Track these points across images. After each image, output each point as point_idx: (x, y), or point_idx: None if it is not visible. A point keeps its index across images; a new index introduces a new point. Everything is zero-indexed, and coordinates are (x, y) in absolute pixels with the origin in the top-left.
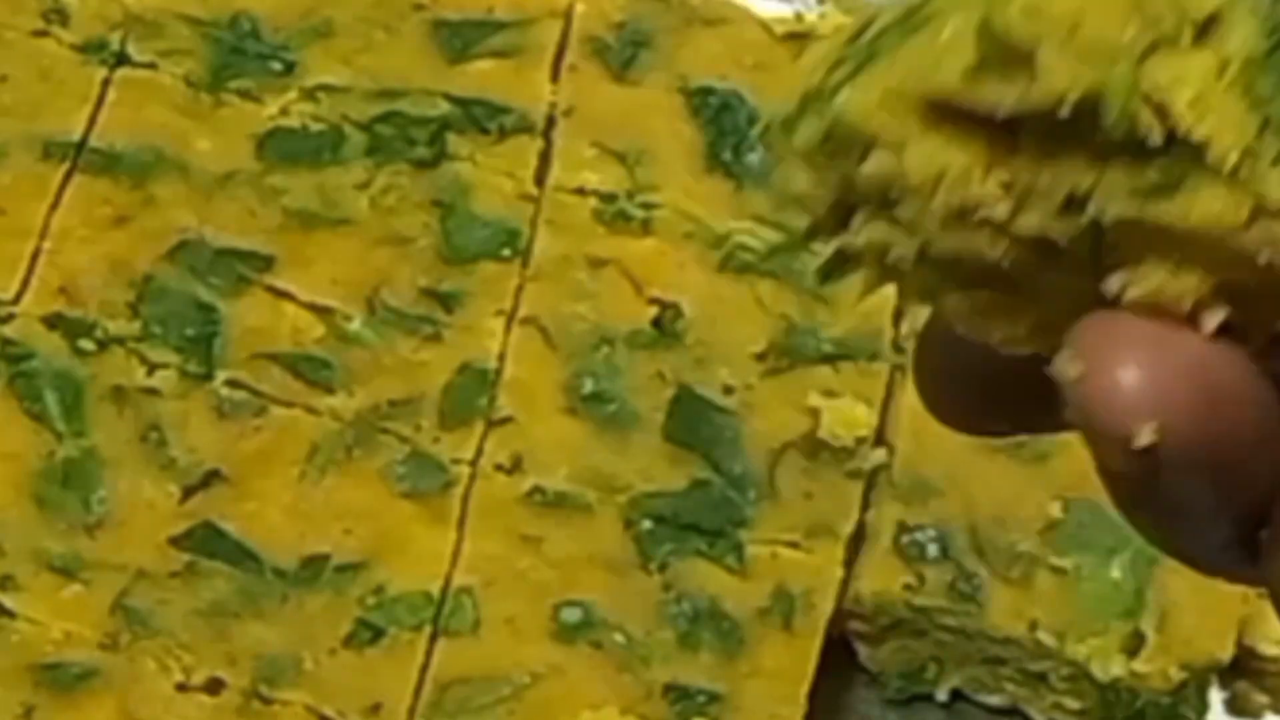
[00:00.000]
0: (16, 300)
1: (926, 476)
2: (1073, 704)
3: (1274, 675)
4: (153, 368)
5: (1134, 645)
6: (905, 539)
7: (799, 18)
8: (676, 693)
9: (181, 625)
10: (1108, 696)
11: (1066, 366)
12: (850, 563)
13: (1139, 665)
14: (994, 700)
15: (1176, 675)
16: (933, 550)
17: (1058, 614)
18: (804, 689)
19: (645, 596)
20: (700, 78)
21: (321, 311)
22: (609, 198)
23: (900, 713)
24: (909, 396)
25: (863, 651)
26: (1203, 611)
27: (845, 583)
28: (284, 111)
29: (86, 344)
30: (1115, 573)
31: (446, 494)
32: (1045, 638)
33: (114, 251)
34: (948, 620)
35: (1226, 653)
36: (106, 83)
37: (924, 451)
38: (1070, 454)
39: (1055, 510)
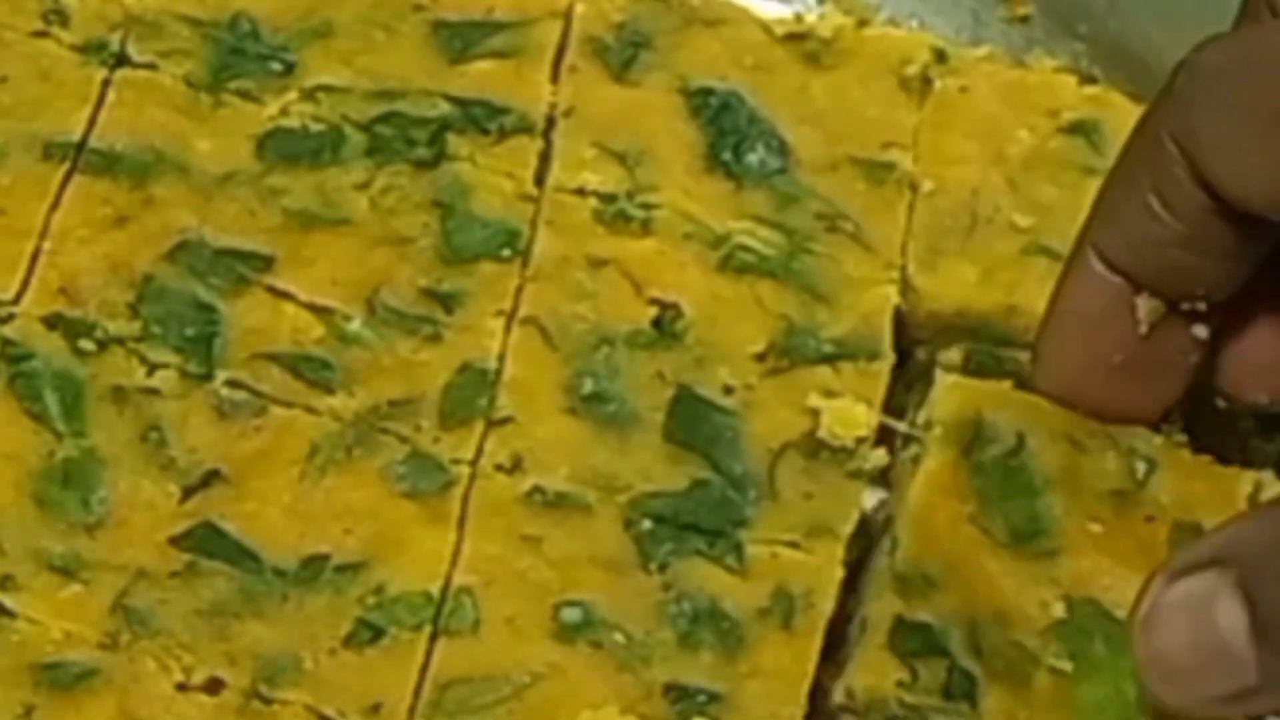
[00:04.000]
0: (16, 300)
1: (929, 570)
2: None
3: None
4: (153, 368)
5: None
6: (901, 633)
7: (799, 18)
8: (676, 693)
9: (181, 625)
10: None
11: None
12: (841, 648)
13: None
14: None
15: None
16: (929, 646)
17: (1053, 718)
18: (804, 689)
19: (645, 596)
20: (700, 78)
21: (321, 311)
22: (609, 198)
23: None
24: (917, 487)
25: None
26: None
27: (844, 583)
28: (284, 112)
29: (86, 344)
30: (1116, 677)
31: (446, 494)
32: None
33: (114, 251)
34: (940, 719)
35: None
36: (106, 83)
37: (928, 544)
38: (1077, 552)
39: (1059, 610)
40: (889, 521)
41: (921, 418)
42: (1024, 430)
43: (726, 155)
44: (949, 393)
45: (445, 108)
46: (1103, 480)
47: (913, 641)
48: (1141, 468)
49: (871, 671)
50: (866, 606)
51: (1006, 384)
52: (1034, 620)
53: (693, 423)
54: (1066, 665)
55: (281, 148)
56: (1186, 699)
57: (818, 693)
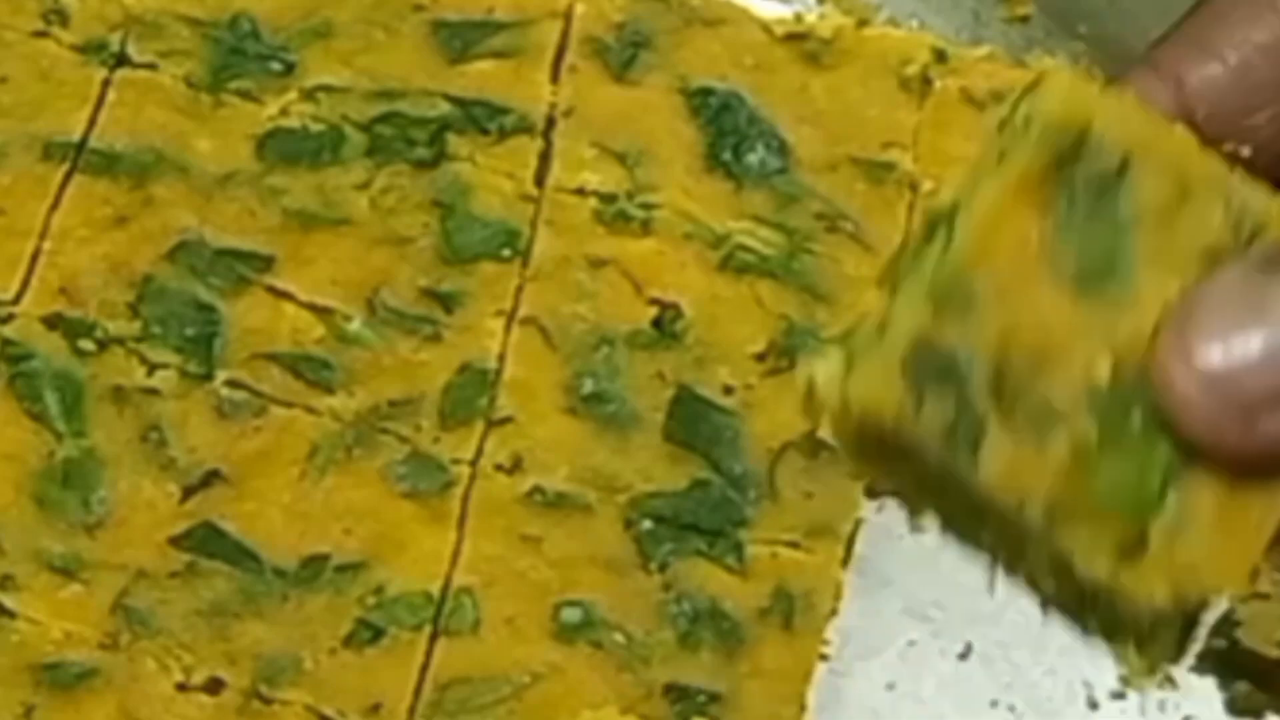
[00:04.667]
0: (16, 300)
1: (975, 285)
2: (1049, 589)
3: (1274, 675)
4: (153, 368)
5: (1132, 548)
6: (920, 355)
7: (799, 18)
8: (676, 693)
9: (181, 625)
10: (1086, 594)
11: None
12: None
13: (1126, 575)
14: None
15: (1161, 599)
16: (945, 376)
17: (1058, 489)
18: (804, 689)
19: (645, 596)
20: (700, 78)
21: (321, 311)
22: (609, 198)
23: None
24: (996, 182)
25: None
26: (1224, 534)
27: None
28: (284, 112)
29: (86, 344)
30: (1143, 463)
31: (446, 494)
32: (1033, 515)
33: (114, 251)
34: (930, 458)
35: (1233, 587)
36: (106, 83)
37: (985, 253)
38: (1144, 310)
39: (1102, 370)
40: (953, 210)
41: (1022, 111)
42: (1131, 154)
43: (726, 155)
44: (1060, 88)
45: (445, 108)
46: (1199, 234)
47: (929, 367)
48: (1247, 228)
49: (875, 385)
50: (894, 306)
51: (1129, 96)
52: (1072, 375)
53: (693, 423)
54: (1093, 435)
55: (281, 148)
56: (1239, 426)
57: None
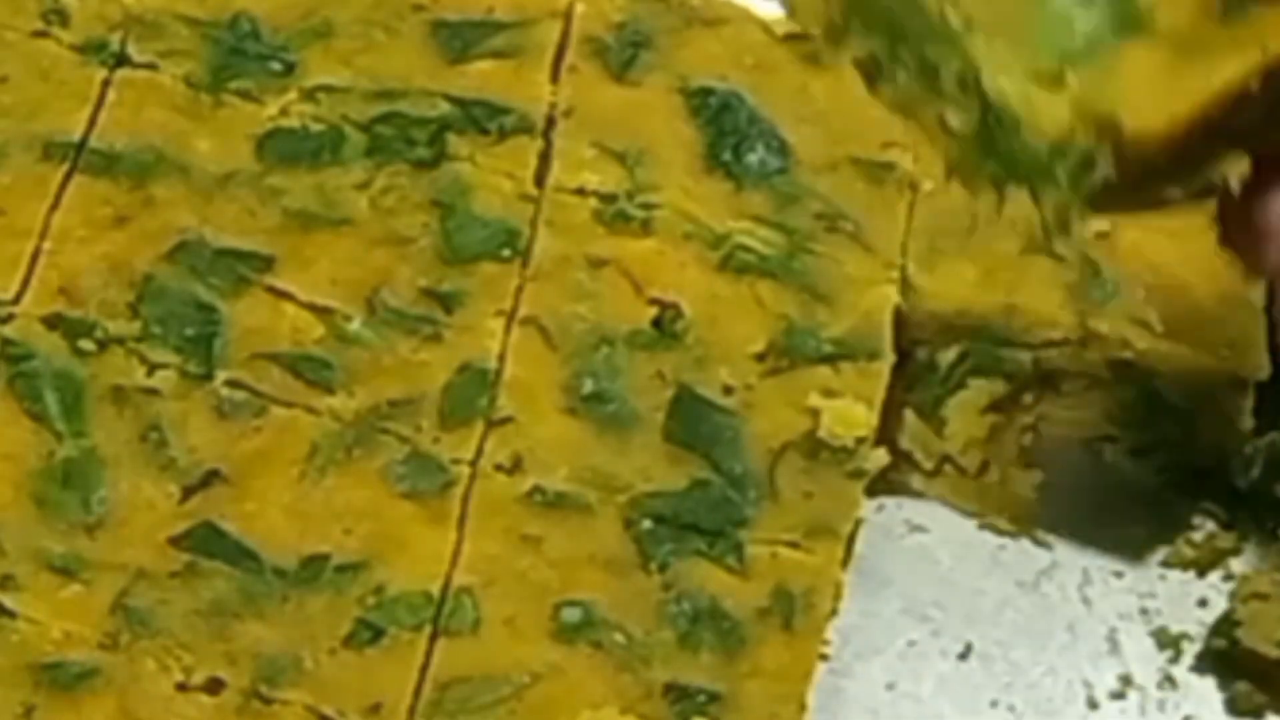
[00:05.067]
0: (16, 300)
1: None
2: (955, 120)
3: (1274, 675)
4: (153, 368)
5: (1046, 80)
6: None
7: None
8: (676, 693)
9: (181, 625)
10: (989, 120)
11: None
12: None
13: (1035, 95)
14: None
15: (1066, 120)
16: None
17: (986, 9)
18: (804, 689)
19: (645, 596)
20: (700, 78)
21: (321, 311)
22: (609, 198)
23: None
24: None
25: None
26: (1152, 89)
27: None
28: (284, 112)
29: (86, 344)
30: (1083, 19)
31: (446, 494)
32: (953, 18)
33: (114, 251)
34: None
35: (1142, 125)
36: (106, 83)
37: None
38: None
39: None
40: None
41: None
42: None
43: (726, 155)
44: None
45: (445, 108)
46: None
47: None
48: None
49: None
50: None
51: None
52: None
53: (693, 423)
54: None
55: (281, 148)
56: None
57: None
